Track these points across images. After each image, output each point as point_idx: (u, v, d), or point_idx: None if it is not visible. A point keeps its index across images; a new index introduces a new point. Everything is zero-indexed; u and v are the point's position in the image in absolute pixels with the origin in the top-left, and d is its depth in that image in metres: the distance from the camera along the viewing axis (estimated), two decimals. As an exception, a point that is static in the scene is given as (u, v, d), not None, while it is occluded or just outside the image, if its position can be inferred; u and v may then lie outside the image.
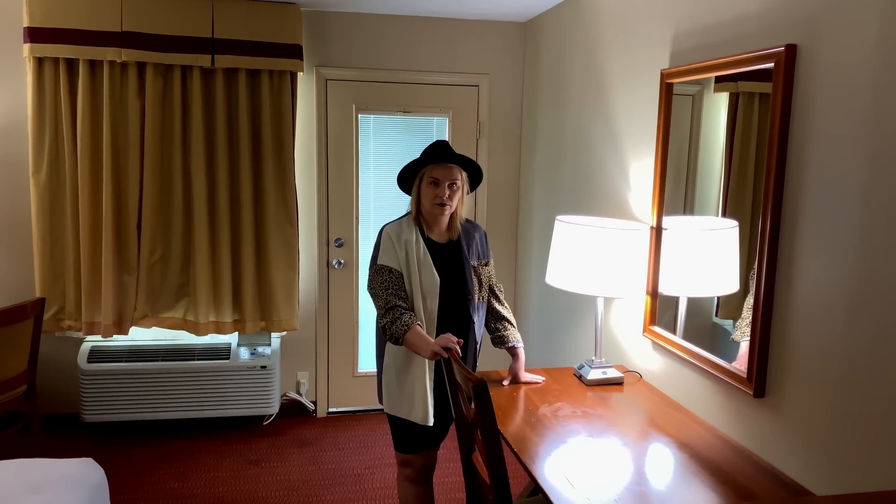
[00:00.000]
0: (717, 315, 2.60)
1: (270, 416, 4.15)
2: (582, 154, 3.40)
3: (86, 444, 3.83)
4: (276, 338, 4.13)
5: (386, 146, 4.25)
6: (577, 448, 2.09)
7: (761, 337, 2.05)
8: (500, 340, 2.69)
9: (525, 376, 2.65)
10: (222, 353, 3.97)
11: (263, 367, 3.96)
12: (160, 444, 3.85)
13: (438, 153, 2.48)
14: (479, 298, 2.62)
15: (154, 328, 3.94)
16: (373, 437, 4.04)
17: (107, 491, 2.19)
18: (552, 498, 1.79)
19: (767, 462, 2.04)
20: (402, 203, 2.57)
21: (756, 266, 2.09)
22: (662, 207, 2.65)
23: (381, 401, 2.62)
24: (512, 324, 2.72)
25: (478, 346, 2.69)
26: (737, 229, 2.46)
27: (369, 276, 2.51)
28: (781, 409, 2.00)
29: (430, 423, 2.49)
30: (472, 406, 1.94)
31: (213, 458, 3.72)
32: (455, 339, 2.24)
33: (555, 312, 3.78)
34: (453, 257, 2.56)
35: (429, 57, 4.16)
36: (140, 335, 4.02)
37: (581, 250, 2.60)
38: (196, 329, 3.89)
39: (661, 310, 2.69)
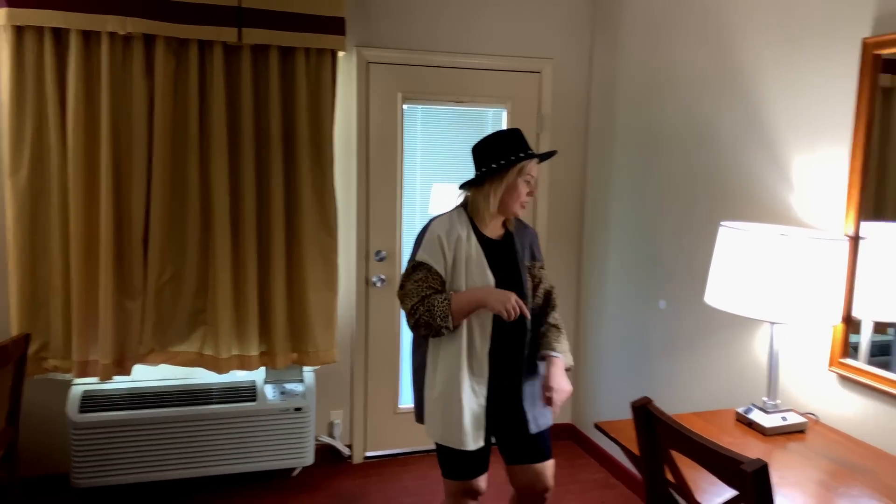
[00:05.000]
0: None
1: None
2: (700, 150, 2.85)
3: (77, 513, 3.06)
4: (307, 372, 3.44)
5: (434, 142, 3.62)
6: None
7: None
8: (542, 346, 2.30)
9: (561, 383, 2.18)
10: (247, 393, 3.26)
11: (298, 409, 3.26)
12: (173, 510, 3.11)
13: (526, 146, 2.18)
14: (532, 305, 2.32)
15: (163, 365, 3.19)
16: (427, 487, 3.39)
17: None
18: None
19: None
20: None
21: None
22: (861, 211, 2.11)
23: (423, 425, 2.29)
24: (561, 331, 2.34)
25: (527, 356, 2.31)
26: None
27: (404, 274, 2.19)
28: None
29: (471, 447, 2.17)
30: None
31: (243, 525, 3.01)
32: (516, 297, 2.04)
33: (646, 336, 3.21)
34: (506, 255, 2.26)
35: (484, 39, 3.56)
36: (145, 374, 3.26)
37: (756, 265, 2.06)
38: (216, 365, 3.16)
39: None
